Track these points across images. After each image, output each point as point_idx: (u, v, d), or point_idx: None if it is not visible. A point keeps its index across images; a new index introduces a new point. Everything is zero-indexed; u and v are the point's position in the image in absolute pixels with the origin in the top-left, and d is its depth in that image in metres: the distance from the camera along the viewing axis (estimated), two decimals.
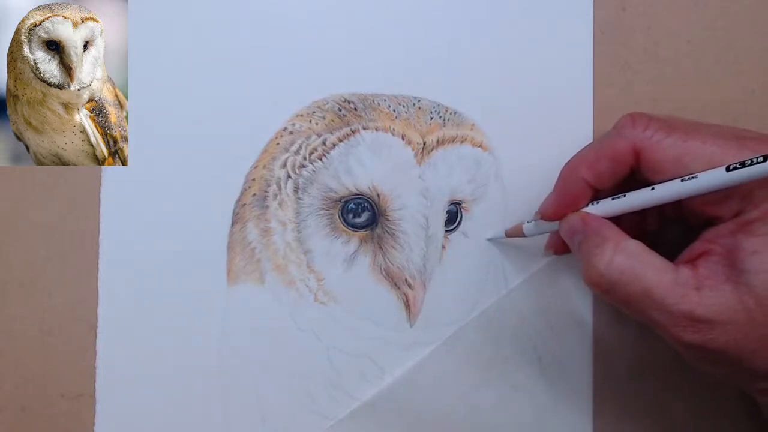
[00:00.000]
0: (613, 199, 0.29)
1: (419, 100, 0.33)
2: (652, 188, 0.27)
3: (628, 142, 0.28)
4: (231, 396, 0.32)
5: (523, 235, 0.32)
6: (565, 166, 0.30)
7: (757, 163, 0.24)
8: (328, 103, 0.33)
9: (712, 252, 0.27)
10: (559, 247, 0.32)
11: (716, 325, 0.25)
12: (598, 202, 0.29)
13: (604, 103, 0.34)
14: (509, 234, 0.33)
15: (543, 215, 0.30)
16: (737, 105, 0.34)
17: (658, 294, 0.25)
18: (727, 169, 0.25)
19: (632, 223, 0.30)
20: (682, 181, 0.26)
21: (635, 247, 0.27)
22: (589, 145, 0.30)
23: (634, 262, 0.26)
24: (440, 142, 0.33)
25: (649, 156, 0.27)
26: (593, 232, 0.28)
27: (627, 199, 0.28)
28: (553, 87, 0.34)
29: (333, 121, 0.33)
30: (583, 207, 0.29)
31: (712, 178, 0.26)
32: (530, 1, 0.34)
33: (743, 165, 0.25)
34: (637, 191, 0.28)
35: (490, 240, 0.34)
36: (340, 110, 0.33)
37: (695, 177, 0.26)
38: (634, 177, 0.29)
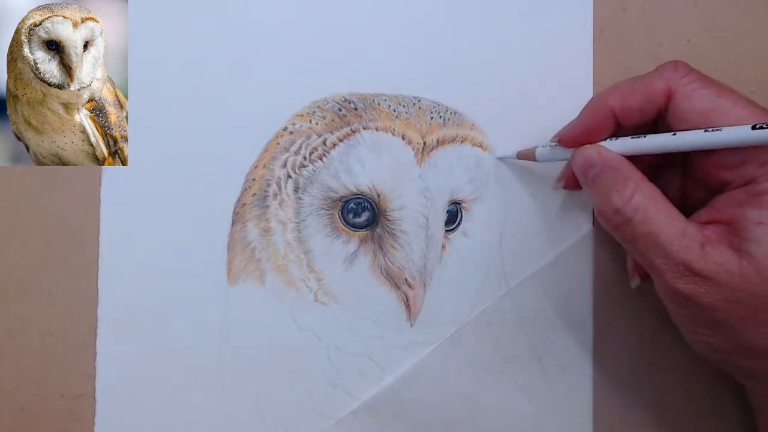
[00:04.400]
0: (632, 137, 0.29)
1: (419, 100, 0.33)
2: (674, 133, 0.27)
3: (665, 83, 0.28)
4: (231, 396, 0.32)
5: (535, 160, 0.32)
6: (596, 95, 0.30)
7: None
8: (328, 103, 0.33)
9: (719, 219, 0.27)
10: (570, 182, 0.32)
11: (711, 282, 0.26)
12: (616, 139, 0.29)
13: None
14: (521, 156, 0.33)
15: (561, 139, 0.30)
16: None
17: (665, 238, 0.26)
18: (753, 128, 0.25)
19: None
20: (705, 131, 0.26)
21: (653, 189, 0.27)
22: (625, 79, 0.30)
23: (650, 204, 0.27)
24: (440, 142, 0.33)
25: (679, 102, 0.28)
26: (612, 168, 0.28)
27: (646, 140, 0.28)
28: (553, 87, 0.34)
29: (333, 120, 0.33)
30: (602, 141, 0.29)
31: (736, 134, 0.26)
32: (530, 1, 0.34)
33: None
34: (658, 134, 0.28)
35: (500, 158, 0.34)
36: (340, 110, 0.33)
37: (719, 130, 0.26)
38: (656, 130, 0.29)
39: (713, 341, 0.27)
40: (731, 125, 0.26)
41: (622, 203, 0.27)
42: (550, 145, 0.31)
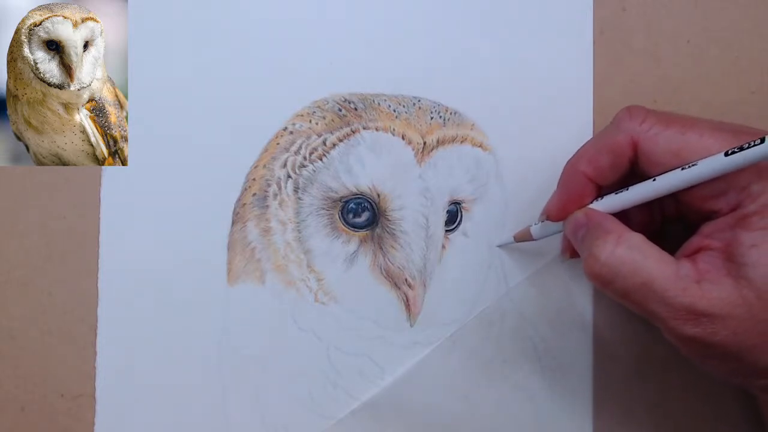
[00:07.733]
0: (616, 193, 0.29)
1: (419, 100, 0.33)
2: (654, 180, 0.27)
3: (626, 135, 0.28)
4: (231, 396, 0.32)
5: (532, 239, 0.32)
6: (566, 163, 0.30)
7: (755, 145, 0.24)
8: (328, 103, 0.33)
9: (711, 246, 0.27)
10: (574, 250, 0.31)
11: (717, 319, 0.25)
12: (601, 198, 0.29)
13: (604, 103, 0.34)
14: (518, 238, 0.33)
15: (548, 215, 0.30)
16: (737, 105, 0.34)
17: (660, 286, 0.25)
18: (726, 154, 0.25)
19: (639, 224, 0.30)
20: (682, 170, 0.26)
21: (637, 239, 0.27)
22: (588, 140, 0.30)
23: (636, 254, 0.26)
24: (440, 142, 0.33)
25: (646, 149, 0.27)
26: (595, 225, 0.28)
27: (629, 193, 0.28)
28: (553, 87, 0.34)
29: (333, 120, 0.33)
30: (587, 204, 0.29)
31: (712, 164, 0.26)
32: (530, 1, 0.34)
33: (741, 149, 0.25)
34: (639, 184, 0.28)
35: (500, 246, 0.34)
36: (340, 110, 0.33)
37: (695, 165, 0.26)
38: (635, 174, 0.29)
39: (727, 368, 0.27)
40: (703, 158, 0.26)
41: (605, 257, 0.26)
42: (541, 222, 0.31)
